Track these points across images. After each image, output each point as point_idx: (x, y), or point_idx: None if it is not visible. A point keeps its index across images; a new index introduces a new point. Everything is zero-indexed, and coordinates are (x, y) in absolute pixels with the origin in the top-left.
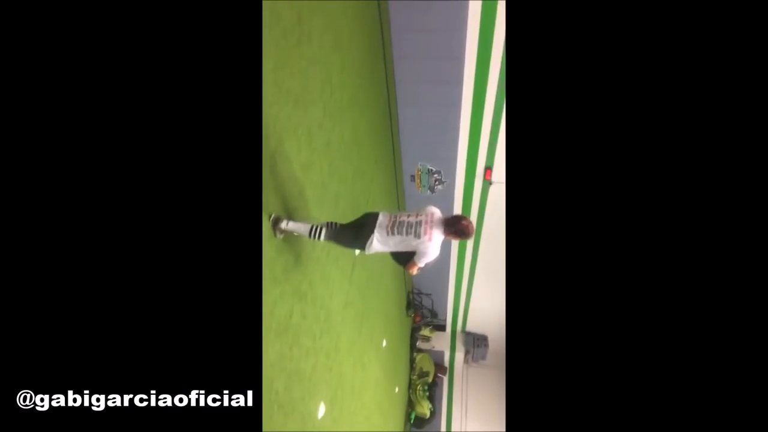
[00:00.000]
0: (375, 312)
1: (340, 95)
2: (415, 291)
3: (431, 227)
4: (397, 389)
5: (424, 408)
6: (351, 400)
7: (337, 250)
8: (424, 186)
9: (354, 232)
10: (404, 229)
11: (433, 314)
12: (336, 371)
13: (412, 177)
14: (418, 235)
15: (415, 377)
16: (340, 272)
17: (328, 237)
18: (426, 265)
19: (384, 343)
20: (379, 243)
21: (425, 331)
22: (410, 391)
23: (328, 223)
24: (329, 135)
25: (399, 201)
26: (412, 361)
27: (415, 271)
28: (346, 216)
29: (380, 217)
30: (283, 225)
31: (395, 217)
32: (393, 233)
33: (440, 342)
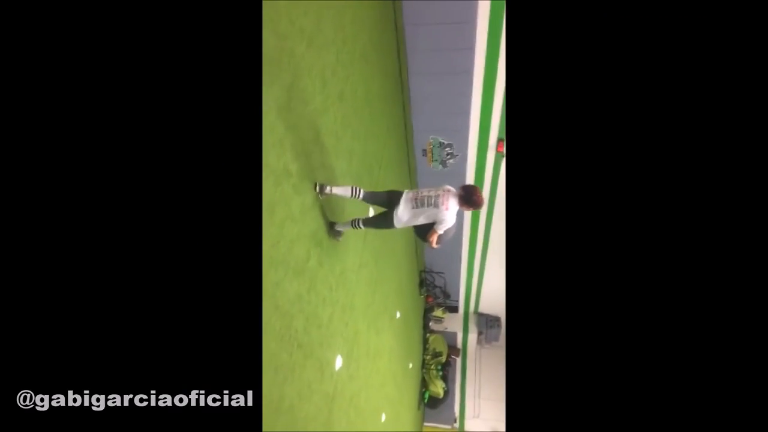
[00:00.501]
0: (388, 281)
1: (353, 46)
2: (427, 270)
3: (447, 199)
4: (411, 365)
5: (438, 388)
6: (366, 361)
7: (353, 209)
8: (435, 160)
9: (384, 213)
10: (425, 201)
11: (446, 295)
12: (351, 328)
13: (424, 151)
14: (437, 206)
15: (428, 357)
16: (354, 232)
17: (366, 224)
18: (446, 233)
19: (398, 315)
20: (405, 216)
21: (438, 312)
22: (424, 370)
23: (353, 187)
24: (342, 85)
25: (411, 174)
26: (425, 341)
27: (435, 239)
28: (360, 174)
29: (405, 194)
30: (338, 227)
31: (418, 192)
32: (417, 206)
33: (453, 323)
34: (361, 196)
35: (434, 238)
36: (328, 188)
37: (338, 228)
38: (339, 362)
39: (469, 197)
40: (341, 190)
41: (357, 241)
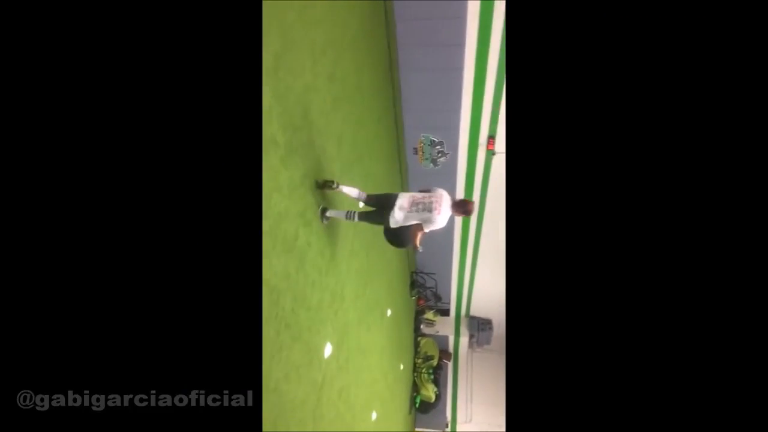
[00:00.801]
0: (379, 276)
1: (343, 31)
2: (419, 271)
3: (441, 205)
4: (402, 367)
5: (429, 392)
6: (357, 354)
7: (342, 196)
8: (426, 159)
9: (379, 212)
10: (421, 206)
11: (437, 297)
12: (342, 318)
13: (415, 149)
14: (430, 210)
15: (419, 361)
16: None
17: (361, 218)
18: (431, 231)
19: (389, 313)
20: (400, 216)
21: (429, 315)
22: (415, 374)
23: (360, 191)
24: (333, 67)
25: (402, 172)
26: (416, 344)
27: (419, 237)
28: (350, 161)
29: (399, 198)
30: (328, 213)
31: (412, 197)
32: (412, 210)
33: (444, 327)
34: (364, 198)
35: (418, 236)
36: (335, 184)
37: (329, 214)
38: (328, 350)
39: (463, 206)
40: (348, 189)
41: (348, 230)
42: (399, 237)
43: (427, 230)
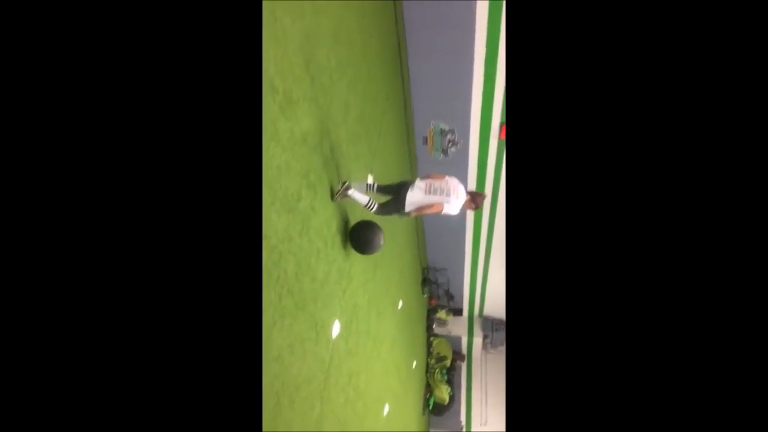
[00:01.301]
0: (390, 263)
1: None
2: (430, 266)
3: (458, 192)
4: (414, 364)
5: (443, 393)
6: (367, 340)
7: (352, 167)
8: (437, 149)
9: (394, 201)
10: (438, 191)
11: (450, 296)
12: (350, 298)
13: (425, 139)
14: (448, 194)
15: (432, 362)
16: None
17: (378, 212)
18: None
19: (400, 304)
20: (416, 198)
21: (441, 314)
22: (428, 375)
23: (368, 184)
24: (337, 24)
25: (411, 161)
26: (429, 344)
27: (433, 210)
28: (357, 134)
29: (417, 180)
30: (350, 193)
31: (430, 182)
32: (429, 193)
33: (457, 327)
34: (375, 188)
35: (432, 211)
36: (346, 187)
37: (350, 192)
38: (336, 329)
39: (474, 197)
40: (358, 195)
41: (355, 208)
42: (366, 240)
43: (443, 212)
